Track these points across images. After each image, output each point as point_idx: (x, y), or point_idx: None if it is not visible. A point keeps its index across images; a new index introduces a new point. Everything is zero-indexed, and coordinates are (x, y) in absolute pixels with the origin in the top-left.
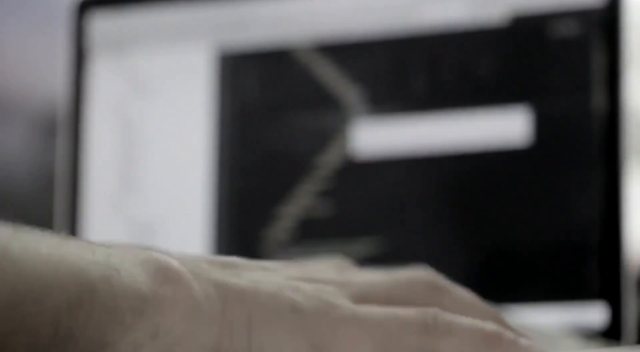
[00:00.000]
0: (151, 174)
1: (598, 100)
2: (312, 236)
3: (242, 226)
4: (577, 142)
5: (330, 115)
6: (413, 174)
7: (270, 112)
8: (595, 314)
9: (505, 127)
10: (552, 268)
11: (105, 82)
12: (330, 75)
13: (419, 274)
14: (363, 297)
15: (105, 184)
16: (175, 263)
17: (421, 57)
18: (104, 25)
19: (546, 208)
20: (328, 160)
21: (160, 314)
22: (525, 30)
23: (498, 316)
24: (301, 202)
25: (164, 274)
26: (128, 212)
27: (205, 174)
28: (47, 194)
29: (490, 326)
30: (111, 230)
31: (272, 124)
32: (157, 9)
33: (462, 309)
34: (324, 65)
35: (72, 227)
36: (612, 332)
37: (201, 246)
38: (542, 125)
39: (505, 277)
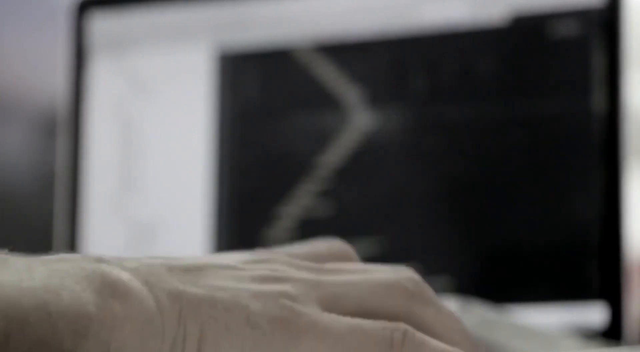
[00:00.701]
0: (151, 174)
1: (598, 100)
2: (312, 236)
3: (242, 226)
4: (577, 142)
5: (330, 115)
6: (413, 174)
7: (270, 112)
8: (595, 314)
9: (505, 126)
10: (553, 268)
11: (105, 82)
12: (330, 75)
13: (401, 277)
14: (334, 300)
15: (105, 184)
16: (124, 276)
17: (421, 57)
18: (103, 25)
19: (546, 208)
20: (328, 161)
21: (109, 332)
22: (525, 30)
23: (472, 341)
24: (301, 202)
25: (112, 289)
26: (128, 212)
27: (205, 174)
28: (47, 194)
29: None
30: (111, 230)
31: (272, 124)
32: (157, 9)
33: (439, 324)
34: (324, 65)
35: (72, 227)
36: (612, 332)
37: (201, 246)
38: (542, 124)
39: (505, 277)
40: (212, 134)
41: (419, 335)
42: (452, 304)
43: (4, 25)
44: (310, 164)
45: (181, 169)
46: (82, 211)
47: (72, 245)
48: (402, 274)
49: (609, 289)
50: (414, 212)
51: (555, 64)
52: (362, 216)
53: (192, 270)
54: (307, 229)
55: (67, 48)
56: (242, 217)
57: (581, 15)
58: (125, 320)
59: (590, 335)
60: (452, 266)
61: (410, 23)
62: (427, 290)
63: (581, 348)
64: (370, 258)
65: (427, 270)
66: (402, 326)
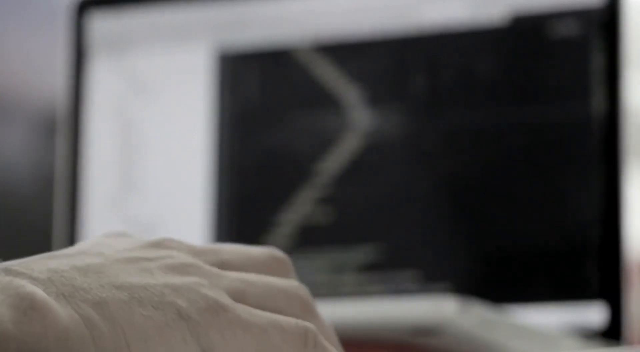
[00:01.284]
0: (151, 174)
1: (598, 100)
2: (312, 239)
3: (242, 225)
4: (577, 142)
5: (330, 115)
6: (413, 174)
7: (270, 112)
8: (595, 314)
9: (505, 127)
10: (552, 268)
11: (105, 82)
12: (330, 75)
13: (294, 286)
14: (240, 295)
15: (105, 184)
16: (38, 291)
17: (421, 57)
18: (103, 25)
19: (546, 208)
20: (328, 162)
21: (26, 349)
22: (525, 30)
23: None
24: (301, 204)
25: (29, 305)
26: (128, 212)
27: (205, 174)
28: (47, 194)
29: None
30: (111, 230)
31: (271, 124)
32: (157, 9)
33: (324, 335)
34: (324, 65)
35: (72, 227)
36: (612, 332)
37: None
38: (542, 125)
39: (505, 278)
40: (212, 134)
41: (326, 342)
42: (452, 304)
43: (4, 25)
44: (310, 164)
45: (181, 169)
46: (82, 211)
47: (72, 245)
48: (293, 283)
49: (609, 289)
50: (414, 212)
51: (555, 64)
52: (362, 221)
53: (102, 269)
54: (307, 234)
55: (67, 48)
56: (242, 218)
57: (581, 15)
58: (45, 336)
59: (590, 335)
60: (453, 266)
61: (410, 23)
62: (314, 302)
63: (581, 348)
64: (370, 265)
65: (428, 270)
66: (313, 327)
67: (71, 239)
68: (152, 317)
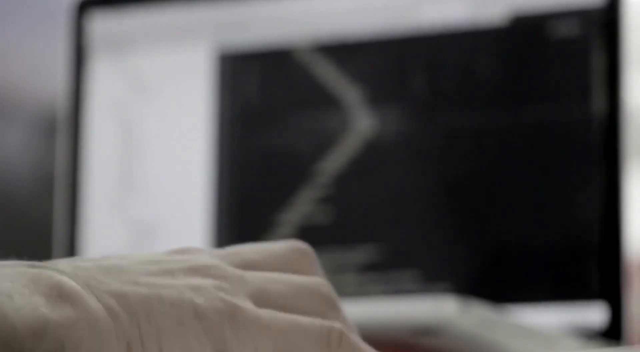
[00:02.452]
0: (151, 174)
1: (598, 100)
2: (312, 242)
3: (242, 225)
4: (577, 143)
5: (330, 115)
6: (413, 174)
7: (270, 112)
8: (595, 314)
9: (505, 127)
10: (552, 268)
11: (105, 82)
12: (330, 75)
13: (318, 283)
14: (264, 296)
15: (105, 184)
16: (67, 280)
17: (421, 57)
18: (103, 25)
19: (546, 208)
20: (328, 163)
21: (62, 333)
22: (525, 30)
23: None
24: (301, 203)
25: (58, 292)
26: (128, 212)
27: (205, 174)
28: (47, 194)
29: None
30: (111, 230)
31: (271, 124)
32: (157, 9)
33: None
34: (324, 65)
35: (72, 227)
36: (612, 332)
37: (201, 246)
38: (542, 124)
39: (505, 277)
40: (212, 134)
41: (353, 336)
42: (452, 304)
43: (4, 25)
44: (310, 165)
45: (181, 169)
46: (82, 211)
47: (72, 245)
48: (317, 280)
49: (609, 289)
50: (414, 212)
51: (555, 64)
52: (362, 221)
53: (125, 269)
54: (308, 233)
55: (67, 48)
56: (242, 218)
57: (581, 15)
58: (77, 322)
59: (590, 335)
60: (453, 266)
61: (410, 23)
62: (338, 299)
63: (581, 348)
64: (370, 265)
65: (428, 270)
66: (338, 326)
67: (71, 239)
68: (169, 313)
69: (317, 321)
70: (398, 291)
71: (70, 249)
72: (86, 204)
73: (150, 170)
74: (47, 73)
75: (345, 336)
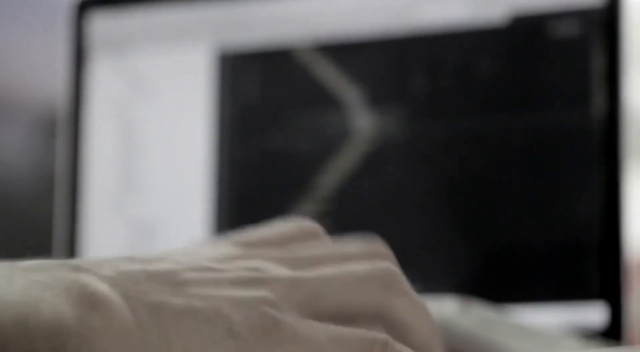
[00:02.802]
0: (151, 174)
1: (598, 100)
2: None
3: (242, 226)
4: (577, 143)
5: (330, 116)
6: (412, 174)
7: (270, 112)
8: (595, 314)
9: (505, 127)
10: (552, 268)
11: (105, 82)
12: (330, 75)
13: (376, 268)
14: (313, 301)
15: (105, 184)
16: (103, 287)
17: (421, 57)
18: (103, 25)
19: (546, 208)
20: (328, 161)
21: (87, 345)
22: (525, 30)
23: (440, 334)
24: (302, 203)
25: (90, 300)
26: (128, 213)
27: (205, 174)
28: (47, 194)
29: None
30: (111, 230)
31: (271, 124)
32: (157, 9)
33: (413, 318)
34: (324, 65)
35: (72, 227)
36: (612, 332)
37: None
38: (542, 125)
39: (505, 277)
40: (212, 134)
41: (398, 347)
42: (452, 304)
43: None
44: (310, 165)
45: (181, 169)
46: (82, 211)
47: (72, 245)
48: (377, 264)
49: (609, 289)
50: (414, 212)
51: (555, 64)
52: (362, 221)
53: (171, 275)
54: None
55: (67, 48)
56: (243, 217)
57: (581, 15)
58: (105, 334)
59: (590, 335)
60: (453, 266)
61: (410, 23)
62: (402, 280)
63: (581, 348)
64: None
65: (428, 270)
66: (382, 337)
67: (71, 239)
68: (201, 330)
69: (360, 332)
70: None
71: (70, 249)
72: (86, 204)
73: (150, 170)
74: (47, 73)
75: (389, 346)
